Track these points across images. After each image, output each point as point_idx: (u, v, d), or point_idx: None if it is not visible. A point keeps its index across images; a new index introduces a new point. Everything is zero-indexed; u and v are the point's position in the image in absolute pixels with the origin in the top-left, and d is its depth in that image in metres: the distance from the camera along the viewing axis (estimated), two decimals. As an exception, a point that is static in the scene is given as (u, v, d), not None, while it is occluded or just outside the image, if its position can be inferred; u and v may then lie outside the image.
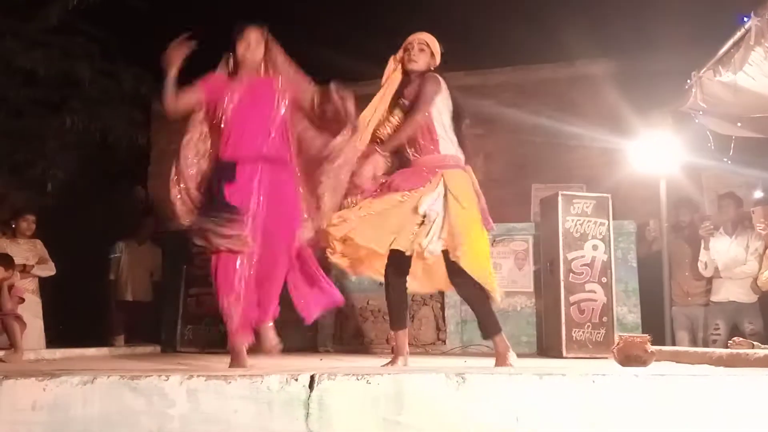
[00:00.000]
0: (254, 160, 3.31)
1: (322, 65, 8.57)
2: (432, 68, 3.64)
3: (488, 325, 3.46)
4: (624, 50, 8.18)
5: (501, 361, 3.36)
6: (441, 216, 3.36)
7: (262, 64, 3.59)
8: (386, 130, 3.60)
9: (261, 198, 3.27)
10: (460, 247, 3.29)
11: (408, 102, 3.57)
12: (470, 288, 3.39)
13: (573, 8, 8.51)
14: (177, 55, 3.47)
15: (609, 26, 8.80)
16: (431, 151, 3.49)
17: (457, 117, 3.61)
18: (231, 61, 3.62)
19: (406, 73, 3.68)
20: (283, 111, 3.47)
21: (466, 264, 3.28)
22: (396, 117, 3.60)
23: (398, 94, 3.67)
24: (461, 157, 3.56)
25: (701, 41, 5.79)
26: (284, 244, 3.31)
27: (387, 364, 3.44)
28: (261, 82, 3.53)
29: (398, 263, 3.46)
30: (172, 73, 3.44)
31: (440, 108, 3.53)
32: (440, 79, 3.57)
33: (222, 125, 3.43)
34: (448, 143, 3.52)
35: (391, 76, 3.74)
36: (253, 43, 3.55)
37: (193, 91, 3.51)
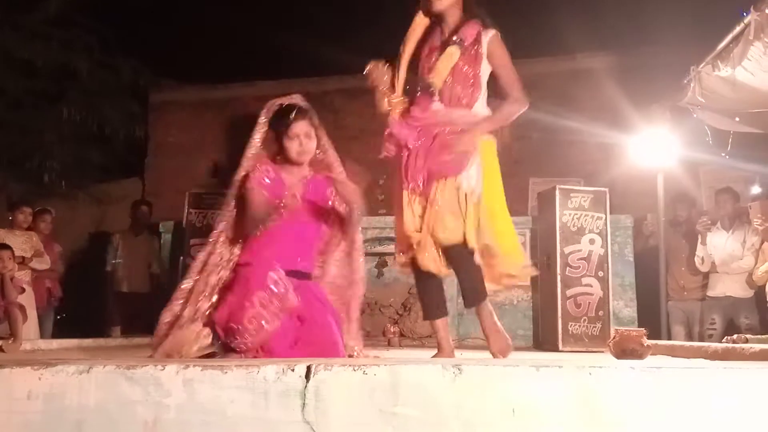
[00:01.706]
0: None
1: (314, 59, 8.60)
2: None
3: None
4: (622, 44, 8.18)
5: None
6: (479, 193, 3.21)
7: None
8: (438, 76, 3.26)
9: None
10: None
11: (462, 42, 3.23)
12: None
13: (571, 2, 8.51)
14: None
15: (608, 20, 8.81)
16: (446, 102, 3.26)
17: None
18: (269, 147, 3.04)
19: (432, 15, 3.36)
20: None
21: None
22: (451, 58, 3.25)
23: (445, 35, 3.32)
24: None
25: (700, 36, 5.79)
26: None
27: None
28: (310, 185, 3.03)
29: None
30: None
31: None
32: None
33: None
34: (483, 97, 3.31)
35: (415, 24, 3.43)
36: (304, 140, 2.96)
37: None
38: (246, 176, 2.95)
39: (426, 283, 3.37)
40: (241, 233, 2.97)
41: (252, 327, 2.62)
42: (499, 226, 3.27)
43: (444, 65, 3.24)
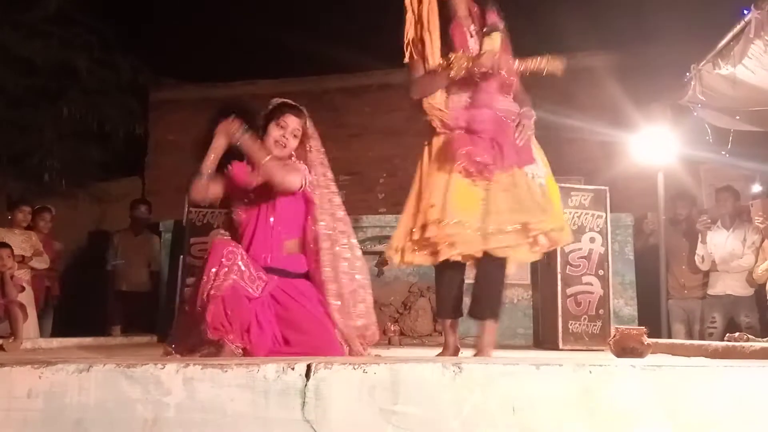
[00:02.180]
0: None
1: (314, 58, 8.59)
2: None
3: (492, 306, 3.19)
4: (623, 43, 8.17)
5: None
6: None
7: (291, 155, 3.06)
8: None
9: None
10: None
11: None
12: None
13: (572, 0, 8.50)
14: (229, 132, 2.92)
15: (608, 19, 8.79)
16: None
17: None
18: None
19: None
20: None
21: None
22: (495, 43, 3.14)
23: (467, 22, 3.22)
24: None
25: (700, 34, 5.78)
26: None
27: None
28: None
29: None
30: (216, 152, 2.97)
31: None
32: None
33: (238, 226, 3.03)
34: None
35: (426, 9, 3.26)
36: (288, 134, 3.01)
37: (221, 179, 3.05)
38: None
39: (449, 278, 3.24)
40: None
41: (209, 303, 2.65)
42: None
43: (491, 50, 3.13)
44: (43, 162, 8.16)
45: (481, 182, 3.08)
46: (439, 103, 3.21)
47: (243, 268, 2.75)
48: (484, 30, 3.19)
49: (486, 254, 3.07)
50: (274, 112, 3.04)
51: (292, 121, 3.02)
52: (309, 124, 3.11)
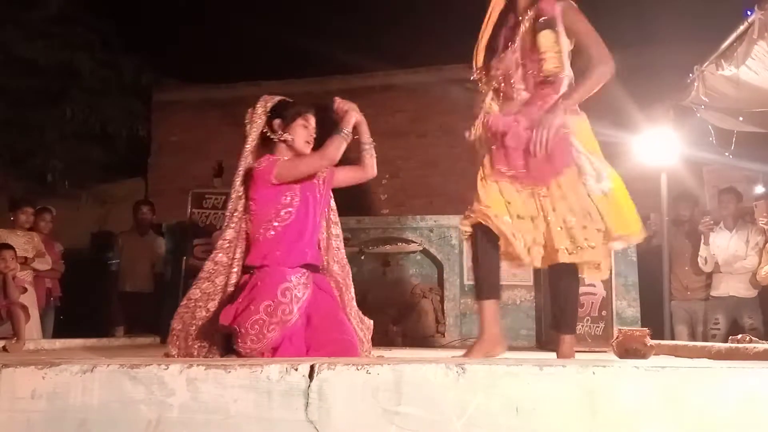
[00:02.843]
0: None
1: (317, 59, 8.59)
2: None
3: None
4: (625, 43, 8.14)
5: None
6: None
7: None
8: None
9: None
10: None
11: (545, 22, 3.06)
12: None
13: (575, 1, 8.49)
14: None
15: (611, 19, 8.76)
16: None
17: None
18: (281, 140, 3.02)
19: None
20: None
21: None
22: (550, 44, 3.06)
23: (530, 15, 3.11)
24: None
25: (704, 35, 5.77)
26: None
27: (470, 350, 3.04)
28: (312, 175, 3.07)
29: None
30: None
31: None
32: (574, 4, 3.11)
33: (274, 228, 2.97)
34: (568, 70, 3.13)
35: (491, 7, 3.21)
36: (312, 132, 3.07)
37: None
38: (250, 169, 2.99)
39: (484, 258, 3.08)
40: (249, 235, 2.98)
41: (254, 333, 2.62)
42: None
43: (545, 48, 3.09)
44: (46, 163, 8.18)
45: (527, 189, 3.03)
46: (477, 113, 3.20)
47: (290, 303, 2.72)
48: (537, 25, 3.11)
49: (555, 266, 3.01)
50: (294, 113, 3.04)
51: (312, 122, 3.09)
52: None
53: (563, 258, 2.92)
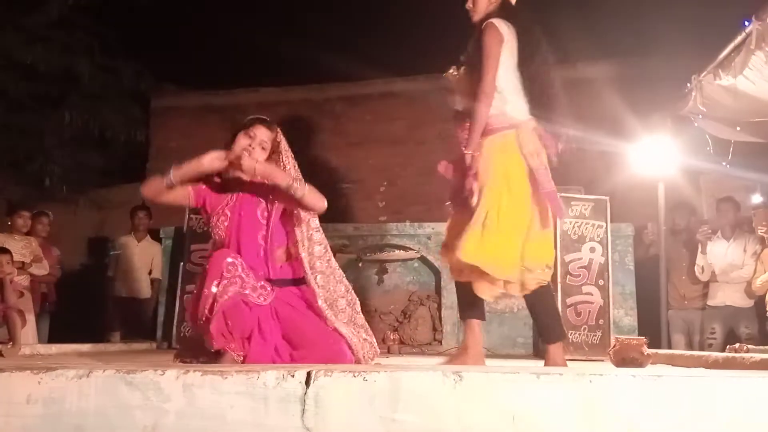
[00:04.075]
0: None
1: (316, 66, 8.61)
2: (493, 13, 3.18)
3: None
4: (623, 53, 8.19)
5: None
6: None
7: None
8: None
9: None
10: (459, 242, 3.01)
11: (466, 59, 3.19)
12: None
13: (572, 10, 8.53)
14: (216, 163, 2.94)
15: (609, 29, 8.82)
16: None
17: (523, 57, 3.16)
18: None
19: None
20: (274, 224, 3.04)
21: (464, 257, 2.99)
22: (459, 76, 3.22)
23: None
24: (510, 113, 3.12)
25: (701, 45, 5.79)
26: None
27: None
28: (251, 189, 3.02)
29: None
30: (201, 169, 2.96)
31: (504, 61, 3.10)
32: (498, 24, 3.10)
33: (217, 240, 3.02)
34: (496, 100, 3.09)
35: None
36: (256, 145, 2.97)
37: (183, 190, 3.10)
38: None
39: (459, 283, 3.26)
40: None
41: (213, 316, 2.66)
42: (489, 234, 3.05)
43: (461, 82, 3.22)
44: (44, 167, 8.18)
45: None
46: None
47: (245, 277, 2.76)
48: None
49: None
50: (245, 124, 3.05)
51: (261, 132, 3.00)
52: (281, 139, 3.08)
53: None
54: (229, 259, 2.76)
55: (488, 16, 3.19)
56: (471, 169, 3.02)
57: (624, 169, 6.69)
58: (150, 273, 7.20)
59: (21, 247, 5.88)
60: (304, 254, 2.97)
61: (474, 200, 3.02)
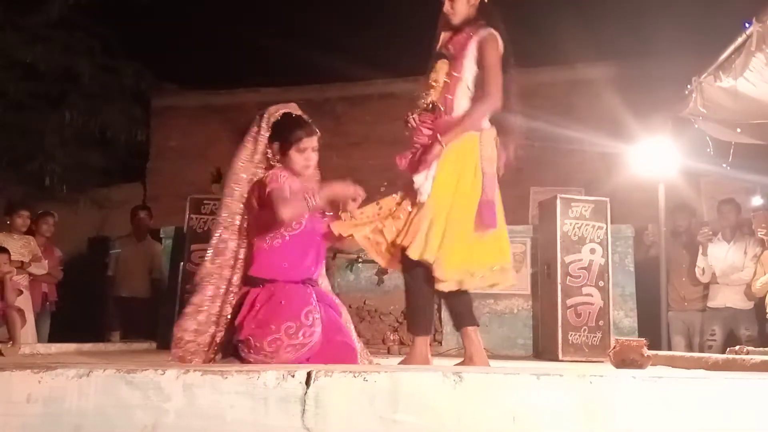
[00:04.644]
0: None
1: (317, 67, 8.62)
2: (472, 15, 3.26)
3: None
4: (624, 54, 8.19)
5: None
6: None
7: None
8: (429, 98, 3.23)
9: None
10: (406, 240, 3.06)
11: (451, 53, 3.23)
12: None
13: (572, 11, 8.53)
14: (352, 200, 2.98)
15: (609, 30, 8.82)
16: (442, 114, 3.19)
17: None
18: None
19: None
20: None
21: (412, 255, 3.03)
22: (440, 75, 3.23)
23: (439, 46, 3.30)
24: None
25: (701, 46, 5.79)
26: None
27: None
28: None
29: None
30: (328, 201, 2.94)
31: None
32: (497, 35, 3.19)
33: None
34: (466, 100, 3.20)
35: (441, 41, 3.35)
36: (311, 154, 2.96)
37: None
38: (261, 181, 2.90)
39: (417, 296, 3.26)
40: (249, 242, 2.95)
41: (270, 350, 2.62)
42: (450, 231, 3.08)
43: (436, 78, 3.25)
44: (45, 167, 8.17)
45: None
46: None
47: (311, 325, 2.72)
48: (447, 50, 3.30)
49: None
50: (290, 137, 2.94)
51: (312, 142, 2.97)
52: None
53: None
54: (309, 307, 2.73)
55: (467, 18, 3.27)
56: (429, 155, 3.09)
57: (624, 170, 6.70)
58: (150, 273, 7.20)
59: (20, 247, 5.88)
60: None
61: (423, 191, 3.08)
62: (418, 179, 3.09)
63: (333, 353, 2.75)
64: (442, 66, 3.26)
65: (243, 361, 2.65)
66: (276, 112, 3.02)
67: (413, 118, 3.25)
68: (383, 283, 6.58)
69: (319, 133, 3.00)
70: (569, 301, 5.76)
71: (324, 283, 3.13)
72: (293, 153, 2.92)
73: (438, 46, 3.36)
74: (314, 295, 2.82)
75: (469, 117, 3.15)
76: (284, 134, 2.95)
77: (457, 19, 3.28)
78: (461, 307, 3.25)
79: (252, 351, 2.63)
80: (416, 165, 3.14)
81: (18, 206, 6.29)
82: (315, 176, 3.06)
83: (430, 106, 3.25)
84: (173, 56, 9.86)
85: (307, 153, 2.94)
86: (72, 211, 8.22)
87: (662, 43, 7.63)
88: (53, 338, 6.27)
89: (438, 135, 3.12)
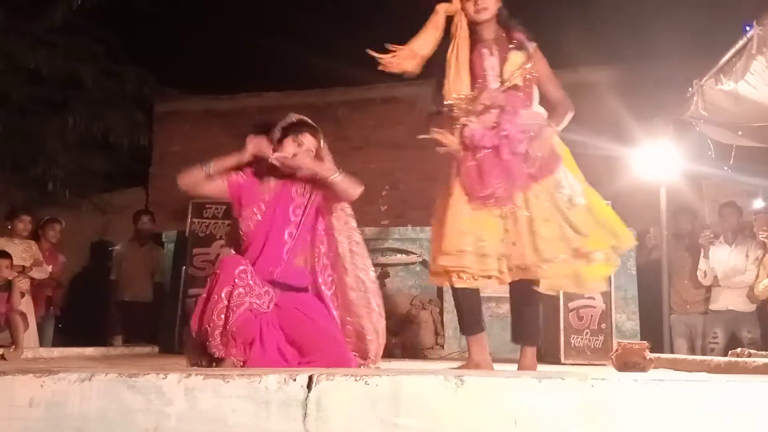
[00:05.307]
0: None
1: (317, 71, 8.63)
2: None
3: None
4: (625, 58, 8.19)
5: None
6: None
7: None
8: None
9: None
10: None
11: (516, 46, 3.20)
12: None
13: (574, 15, 8.54)
14: (258, 149, 2.97)
15: (610, 33, 8.83)
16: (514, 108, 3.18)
17: None
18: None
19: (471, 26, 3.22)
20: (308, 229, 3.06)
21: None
22: (517, 61, 3.17)
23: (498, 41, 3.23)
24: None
25: (703, 50, 5.80)
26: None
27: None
28: (288, 185, 3.04)
29: None
30: (238, 159, 2.97)
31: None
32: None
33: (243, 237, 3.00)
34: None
35: (459, 33, 3.21)
36: (303, 151, 3.00)
37: (220, 182, 3.01)
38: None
39: (467, 295, 3.23)
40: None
41: (221, 321, 2.64)
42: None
43: (512, 69, 3.19)
44: (47, 171, 8.19)
45: (497, 209, 3.05)
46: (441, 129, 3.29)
47: (253, 285, 2.75)
48: (510, 47, 3.22)
49: (518, 280, 3.05)
50: (292, 128, 3.04)
51: (308, 140, 3.03)
52: (323, 144, 3.12)
53: (537, 274, 2.99)
54: (242, 267, 2.74)
55: (497, 14, 3.24)
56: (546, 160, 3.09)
57: (626, 173, 6.69)
58: (152, 277, 7.21)
59: (21, 251, 5.88)
60: (344, 243, 3.03)
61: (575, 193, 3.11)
62: (564, 183, 3.11)
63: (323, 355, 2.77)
64: (519, 56, 3.19)
65: (218, 357, 2.70)
66: (291, 116, 3.12)
67: (471, 122, 3.15)
68: (385, 287, 6.58)
69: (319, 139, 3.06)
70: (571, 304, 5.75)
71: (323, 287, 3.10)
72: (288, 142, 3.01)
73: (469, 51, 3.23)
74: (250, 267, 2.78)
75: (562, 120, 3.29)
76: (289, 126, 3.07)
77: (488, 14, 3.21)
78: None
79: (210, 337, 2.66)
80: (525, 173, 3.05)
81: (19, 211, 6.29)
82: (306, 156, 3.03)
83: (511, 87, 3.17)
84: (176, 61, 9.89)
85: (301, 148, 3.01)
86: (74, 216, 8.23)
87: (663, 46, 7.64)
88: (56, 342, 6.28)
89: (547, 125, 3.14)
